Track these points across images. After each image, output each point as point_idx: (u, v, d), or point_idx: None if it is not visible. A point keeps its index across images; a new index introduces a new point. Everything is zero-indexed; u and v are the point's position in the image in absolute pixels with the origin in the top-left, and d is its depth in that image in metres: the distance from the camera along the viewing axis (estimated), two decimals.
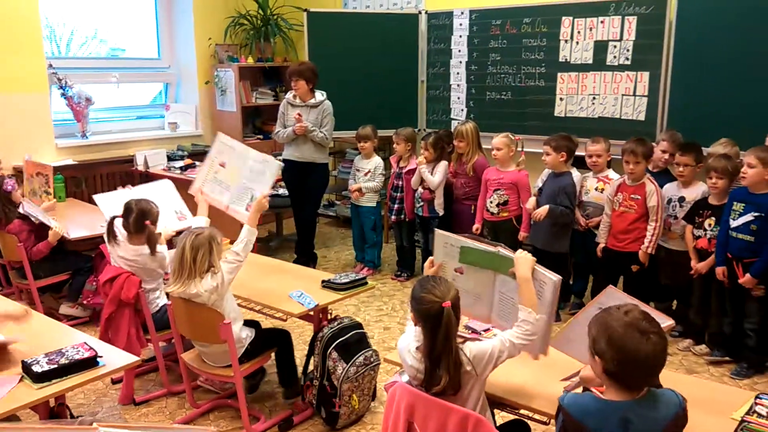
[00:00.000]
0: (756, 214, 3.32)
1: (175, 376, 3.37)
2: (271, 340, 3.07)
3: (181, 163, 5.47)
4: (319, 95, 4.93)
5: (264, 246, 5.68)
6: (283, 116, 4.95)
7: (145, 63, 6.42)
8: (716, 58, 4.23)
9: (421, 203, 4.78)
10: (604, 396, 1.71)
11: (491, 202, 4.37)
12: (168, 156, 5.68)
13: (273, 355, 3.13)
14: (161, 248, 3.26)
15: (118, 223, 3.26)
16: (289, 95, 4.95)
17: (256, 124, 6.67)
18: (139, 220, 3.20)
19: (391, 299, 4.68)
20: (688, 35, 4.36)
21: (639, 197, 3.80)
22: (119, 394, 3.28)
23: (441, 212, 4.77)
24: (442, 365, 1.99)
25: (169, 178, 5.30)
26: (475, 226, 4.51)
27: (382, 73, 5.77)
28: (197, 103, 6.47)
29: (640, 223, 3.81)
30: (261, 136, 6.45)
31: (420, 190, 4.77)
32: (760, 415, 1.90)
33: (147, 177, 5.59)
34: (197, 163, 5.56)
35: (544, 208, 4.01)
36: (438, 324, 1.98)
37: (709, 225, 3.60)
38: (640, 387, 1.65)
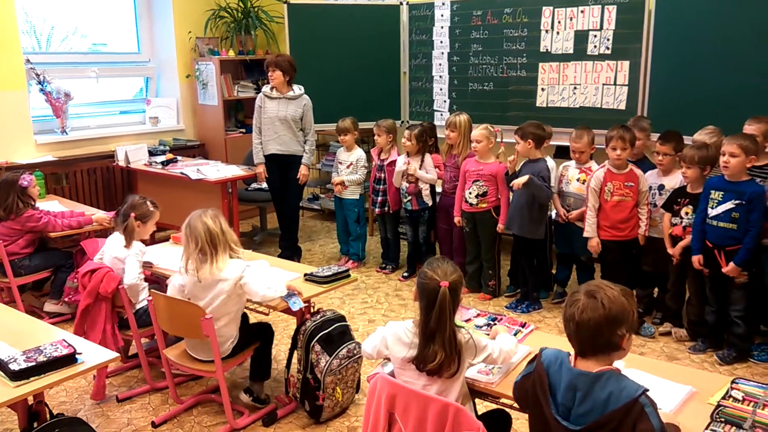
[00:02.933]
0: (737, 201, 3.34)
1: (158, 372, 3.35)
2: (255, 335, 3.05)
3: (162, 158, 5.42)
4: (297, 89, 4.91)
5: (248, 240, 5.66)
6: (260, 109, 4.93)
7: (124, 57, 6.35)
8: (695, 46, 4.26)
9: (409, 197, 4.77)
10: (575, 362, 1.76)
11: (470, 194, 4.38)
12: (149, 151, 5.63)
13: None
14: (137, 248, 3.23)
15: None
16: (266, 88, 4.93)
17: (239, 118, 6.62)
18: (127, 212, 3.25)
19: (376, 292, 4.68)
20: (667, 24, 4.38)
21: (633, 184, 3.81)
22: (92, 391, 3.25)
23: (430, 203, 4.77)
24: (437, 342, 2.03)
25: (151, 173, 5.30)
26: (456, 218, 4.52)
27: (364, 65, 5.76)
28: (178, 97, 6.41)
29: (637, 209, 3.84)
30: (243, 130, 6.41)
31: (405, 185, 4.76)
32: (735, 399, 1.93)
33: (128, 172, 5.56)
34: (179, 157, 5.53)
35: (524, 178, 4.00)
36: (433, 302, 2.04)
37: (686, 213, 3.63)
38: (582, 350, 1.71)
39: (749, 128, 3.55)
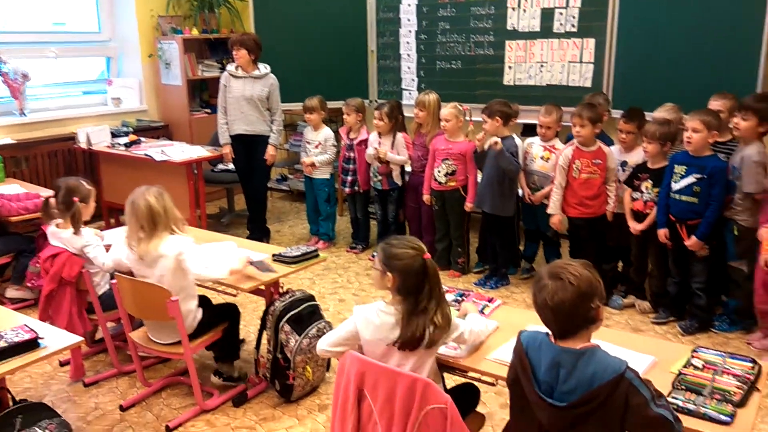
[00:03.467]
0: (698, 176, 3.41)
1: (125, 355, 3.31)
2: (221, 315, 3.03)
3: (125, 140, 5.30)
4: (263, 67, 4.83)
5: (215, 222, 5.60)
6: (224, 89, 4.84)
7: (84, 37, 6.17)
8: (659, 24, 4.29)
9: (379, 177, 4.76)
10: (555, 340, 1.77)
11: (439, 172, 4.38)
12: (112, 132, 5.50)
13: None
14: (92, 237, 3.15)
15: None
16: (231, 67, 4.84)
17: (203, 98, 6.51)
18: (67, 197, 3.10)
19: (346, 271, 4.67)
20: (631, 3, 4.40)
21: (601, 161, 3.84)
22: (69, 372, 3.20)
23: (400, 183, 4.76)
24: (428, 316, 2.04)
25: (114, 155, 5.18)
26: (425, 197, 4.53)
27: (331, 44, 5.69)
28: (141, 78, 6.26)
29: (606, 186, 3.87)
30: (208, 110, 6.30)
31: (376, 164, 4.74)
32: (696, 368, 1.98)
33: (90, 155, 5.43)
34: (142, 139, 5.42)
35: (498, 141, 4.01)
36: (424, 276, 2.05)
37: (646, 188, 3.69)
38: (562, 333, 1.72)
39: (714, 104, 3.61)
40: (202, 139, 5.79)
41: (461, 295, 2.70)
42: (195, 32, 6.21)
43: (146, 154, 4.91)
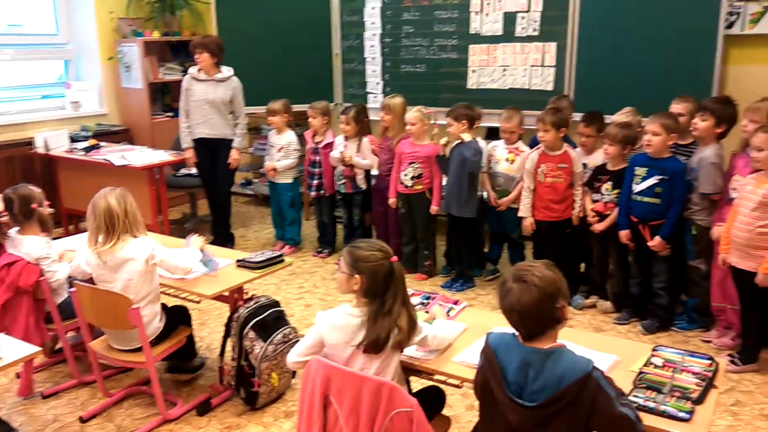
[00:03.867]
0: (660, 177, 3.47)
1: (86, 366, 3.23)
2: (178, 319, 2.99)
3: (85, 144, 5.18)
4: (226, 70, 4.78)
5: (178, 228, 5.51)
6: (187, 92, 4.77)
7: (41, 39, 6.02)
8: (619, 28, 4.39)
9: (343, 180, 4.74)
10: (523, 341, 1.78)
11: (405, 175, 4.39)
12: (71, 137, 5.38)
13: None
14: (43, 247, 3.06)
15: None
16: (193, 70, 4.78)
17: (165, 101, 6.41)
18: (25, 207, 3.02)
19: (313, 276, 4.64)
20: (592, 6, 4.49)
21: (566, 165, 3.88)
22: (17, 389, 3.11)
23: (364, 187, 4.76)
24: (394, 318, 2.05)
25: (73, 160, 5.06)
26: (391, 200, 4.53)
27: (296, 47, 5.66)
28: (101, 81, 6.15)
29: (571, 190, 3.91)
30: (171, 114, 6.20)
31: (341, 167, 4.73)
32: (656, 366, 2.02)
33: (48, 160, 5.29)
34: (102, 143, 5.31)
35: (465, 135, 4.04)
36: (391, 278, 2.06)
37: (606, 189, 3.76)
38: (530, 334, 1.74)
39: (675, 107, 3.69)
40: (164, 143, 5.70)
41: (427, 298, 2.71)
42: (156, 35, 6.12)
43: (106, 159, 4.81)
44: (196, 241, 3.06)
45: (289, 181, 4.99)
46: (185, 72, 5.09)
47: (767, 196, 2.94)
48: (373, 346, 2.05)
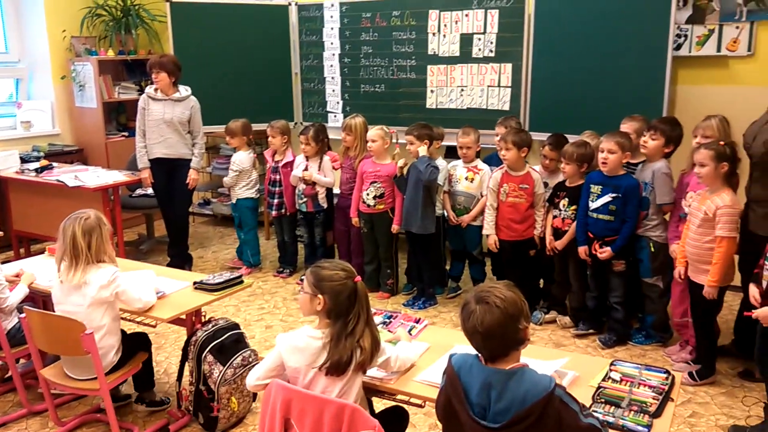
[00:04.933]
0: (614, 195, 3.55)
1: (37, 394, 3.11)
2: (136, 346, 2.91)
3: (36, 165, 5.03)
4: (184, 90, 4.73)
5: (134, 249, 5.39)
6: (143, 111, 4.70)
7: None
8: (572, 50, 4.49)
9: (305, 199, 4.72)
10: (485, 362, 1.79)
11: (368, 195, 4.40)
12: (21, 157, 5.22)
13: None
14: None
15: None
16: (150, 89, 4.71)
17: (121, 121, 6.29)
18: None
19: (273, 297, 4.59)
20: (546, 28, 4.60)
21: (528, 186, 3.93)
22: None
23: (325, 205, 4.74)
24: (357, 338, 2.03)
25: (23, 181, 4.91)
26: (353, 220, 4.53)
27: (255, 66, 5.65)
28: (53, 100, 6.00)
29: (532, 210, 3.96)
30: (126, 133, 6.10)
31: (302, 186, 4.71)
32: (614, 381, 2.05)
33: None
34: (54, 164, 5.17)
35: (422, 148, 4.07)
36: (354, 298, 2.05)
37: (564, 205, 3.83)
38: (493, 356, 1.75)
39: (624, 127, 3.79)
40: (120, 163, 5.59)
41: (389, 317, 2.71)
42: (111, 53, 6.02)
43: (58, 180, 4.68)
44: None
45: (233, 201, 4.98)
46: (141, 91, 5.04)
47: (708, 212, 3.03)
48: (336, 368, 2.03)
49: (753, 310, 2.69)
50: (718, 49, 4.27)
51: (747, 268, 3.09)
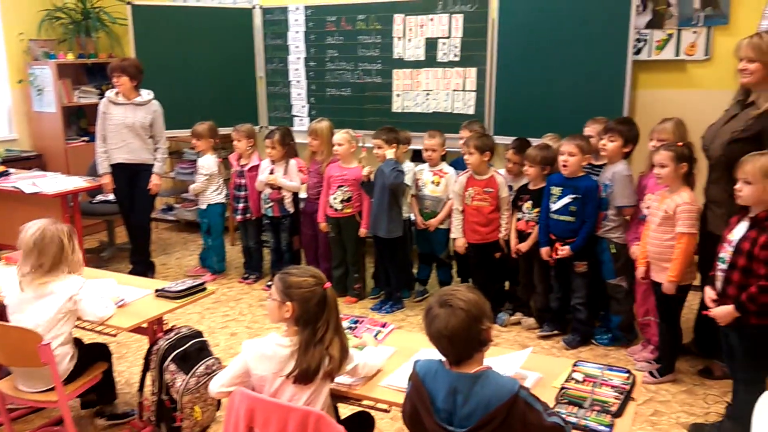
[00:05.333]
0: (573, 196, 3.61)
1: None
2: (95, 356, 2.84)
3: None
4: (146, 94, 4.65)
5: (95, 257, 5.27)
6: (104, 116, 4.60)
7: None
8: (535, 54, 4.54)
9: (271, 203, 4.68)
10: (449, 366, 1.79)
11: (335, 199, 4.38)
12: None
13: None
14: None
15: None
16: (111, 93, 4.61)
17: (81, 125, 6.16)
18: None
19: (239, 303, 4.53)
20: (510, 33, 4.64)
21: (492, 190, 3.95)
22: None
23: (292, 210, 4.70)
24: (327, 346, 2.00)
25: None
26: (321, 224, 4.50)
27: (219, 69, 5.58)
28: (10, 104, 5.86)
29: (497, 213, 3.98)
30: (86, 138, 5.97)
31: (268, 190, 4.67)
32: (577, 381, 2.07)
33: None
34: (11, 170, 5.04)
35: (390, 151, 4.08)
36: (324, 306, 2.02)
37: (527, 208, 3.88)
38: (458, 359, 1.75)
39: (587, 129, 3.85)
40: (80, 168, 5.46)
41: (356, 322, 2.69)
42: (70, 57, 5.90)
43: (15, 187, 4.55)
44: None
45: (203, 207, 4.91)
46: (102, 95, 4.93)
47: (669, 210, 3.10)
48: (304, 376, 2.00)
49: (709, 309, 2.75)
50: (677, 54, 4.37)
51: (706, 268, 3.15)
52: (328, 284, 2.06)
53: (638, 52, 4.41)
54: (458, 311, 1.71)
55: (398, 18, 5.00)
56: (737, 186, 2.66)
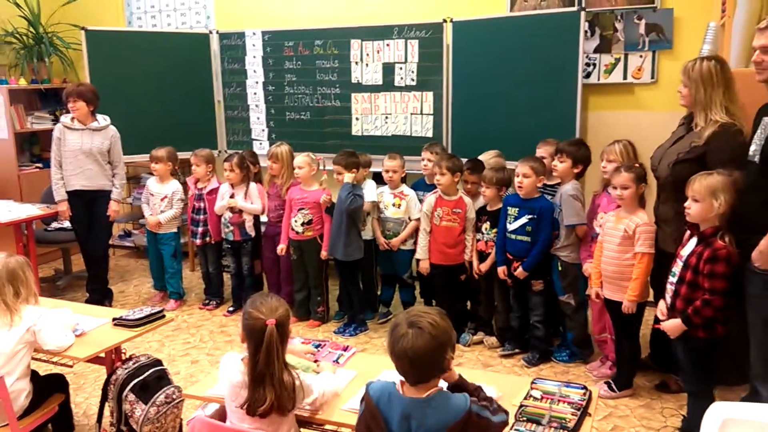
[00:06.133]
0: (530, 216, 3.70)
1: None
2: (51, 388, 2.78)
3: None
4: (102, 119, 4.60)
5: (50, 286, 5.14)
6: (59, 142, 4.52)
7: None
8: (489, 78, 4.64)
9: (231, 227, 4.65)
10: (402, 389, 1.80)
11: (296, 222, 4.38)
12: None
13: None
14: None
15: None
16: (66, 119, 4.55)
17: (34, 152, 6.05)
18: None
19: (199, 330, 4.47)
20: (464, 58, 4.75)
21: (460, 211, 4.01)
22: None
23: (253, 234, 4.68)
24: (267, 383, 1.98)
25: None
26: (281, 247, 4.50)
27: (176, 94, 5.54)
28: None
29: (465, 235, 4.03)
30: (40, 165, 5.86)
31: (228, 214, 4.64)
32: (535, 398, 2.11)
33: None
34: None
35: (349, 176, 4.11)
36: (261, 341, 1.98)
37: (486, 229, 3.96)
38: (417, 380, 1.76)
39: (540, 151, 3.96)
40: (34, 195, 5.36)
41: (318, 346, 2.69)
42: (23, 82, 5.81)
43: None
44: None
45: (174, 230, 4.83)
46: (56, 121, 4.86)
47: (628, 230, 3.20)
48: (252, 409, 1.99)
49: (661, 322, 2.85)
50: (625, 77, 4.55)
51: (658, 284, 3.26)
52: (270, 321, 2.00)
53: (588, 75, 4.58)
54: (426, 334, 1.72)
55: (355, 43, 5.07)
56: (686, 204, 2.78)
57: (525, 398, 2.11)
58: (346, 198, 4.06)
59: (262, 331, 1.99)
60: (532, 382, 2.23)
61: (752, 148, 2.65)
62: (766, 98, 2.68)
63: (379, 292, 4.66)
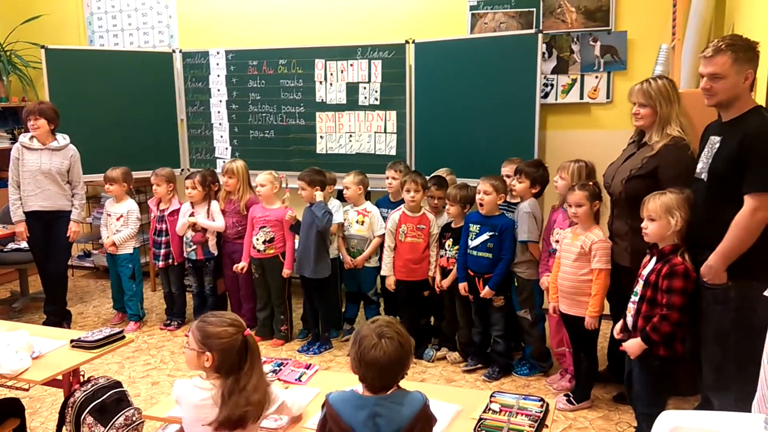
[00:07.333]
0: (491, 233, 3.77)
1: None
2: (5, 412, 2.71)
3: None
4: (62, 139, 4.54)
5: (6, 308, 5.02)
6: (17, 161, 4.45)
7: None
8: (451, 98, 4.73)
9: (194, 247, 4.61)
10: (361, 393, 1.87)
11: (257, 239, 4.38)
12: None
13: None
14: None
15: None
16: (24, 138, 4.48)
17: None
18: None
19: (160, 351, 4.41)
20: (426, 78, 4.83)
21: (424, 227, 4.06)
22: None
23: (215, 252, 4.66)
24: (256, 391, 1.99)
25: None
26: (241, 265, 4.47)
27: (138, 113, 5.50)
28: None
29: (429, 251, 4.08)
30: None
31: (190, 233, 4.61)
32: (494, 411, 2.15)
33: None
34: None
35: (318, 194, 4.14)
36: (245, 353, 2.00)
37: (448, 245, 4.01)
38: (383, 387, 1.84)
39: (504, 169, 4.04)
40: None
41: (279, 365, 2.69)
42: None
43: None
44: None
45: (130, 251, 4.77)
46: (14, 140, 4.77)
47: (584, 246, 3.29)
48: (227, 425, 1.98)
49: (621, 343, 2.92)
50: (581, 97, 4.69)
51: (613, 297, 3.34)
52: (247, 331, 2.04)
53: (546, 95, 4.70)
54: (396, 343, 1.80)
55: (319, 63, 5.12)
56: (643, 224, 2.85)
57: (484, 411, 2.15)
58: (323, 216, 4.08)
59: (243, 344, 2.01)
60: (491, 396, 2.27)
61: (699, 165, 2.76)
62: (713, 117, 2.80)
63: (343, 310, 4.66)
